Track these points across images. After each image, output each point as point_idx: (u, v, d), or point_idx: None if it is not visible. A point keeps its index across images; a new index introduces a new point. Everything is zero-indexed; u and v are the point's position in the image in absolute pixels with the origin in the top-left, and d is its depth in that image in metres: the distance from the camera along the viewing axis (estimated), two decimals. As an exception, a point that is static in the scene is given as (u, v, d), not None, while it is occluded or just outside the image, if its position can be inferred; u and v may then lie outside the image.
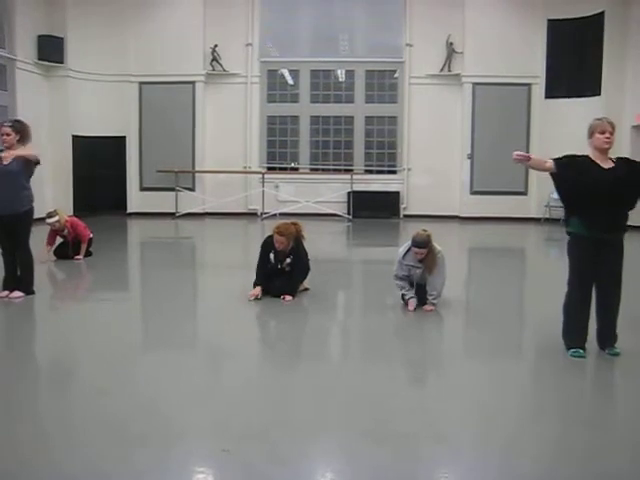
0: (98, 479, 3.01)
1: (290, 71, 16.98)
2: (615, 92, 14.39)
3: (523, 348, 5.56)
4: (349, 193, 16.19)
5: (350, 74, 16.77)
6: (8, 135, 6.42)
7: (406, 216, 16.30)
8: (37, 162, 6.52)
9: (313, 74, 16.75)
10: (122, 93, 16.00)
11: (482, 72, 15.77)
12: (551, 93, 15.72)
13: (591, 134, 4.76)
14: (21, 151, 6.39)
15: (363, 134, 16.75)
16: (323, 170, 16.76)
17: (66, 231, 9.19)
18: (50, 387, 4.38)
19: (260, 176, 16.17)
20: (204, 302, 7.37)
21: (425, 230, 6.28)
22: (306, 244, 7.01)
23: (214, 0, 16.08)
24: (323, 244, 11.35)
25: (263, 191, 16.02)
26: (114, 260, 9.98)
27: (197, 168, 16.40)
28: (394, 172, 16.78)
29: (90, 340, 5.37)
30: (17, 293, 6.68)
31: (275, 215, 15.29)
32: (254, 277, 6.83)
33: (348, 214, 16.12)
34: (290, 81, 17.07)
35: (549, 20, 15.54)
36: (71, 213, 12.32)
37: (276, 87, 16.89)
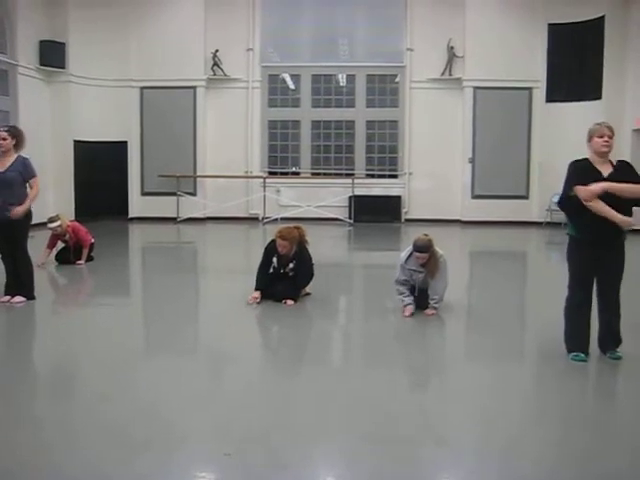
0: (100, 483, 3.02)
1: (291, 76, 17.03)
2: (616, 96, 14.42)
3: (524, 352, 5.56)
4: (350, 197, 16.20)
5: (351, 78, 16.81)
6: (4, 140, 6.48)
7: (407, 220, 16.32)
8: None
9: (314, 79, 16.79)
10: (123, 98, 16.04)
11: (483, 76, 15.79)
12: (552, 97, 15.74)
13: (590, 138, 4.76)
14: (27, 203, 6.49)
15: (364, 138, 16.78)
16: (324, 174, 16.78)
17: (68, 236, 9.22)
18: (52, 392, 4.37)
19: (261, 181, 16.20)
20: (205, 307, 7.38)
21: (426, 234, 6.30)
22: (308, 248, 7.02)
23: (215, 5, 16.13)
24: (324, 248, 11.34)
25: (264, 196, 16.06)
26: (115, 265, 10.00)
27: (198, 173, 16.43)
28: (395, 176, 16.79)
29: (92, 345, 5.38)
30: (18, 298, 6.71)
31: (276, 220, 15.31)
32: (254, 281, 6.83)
33: (349, 218, 16.13)
34: (291, 86, 17.10)
35: (550, 24, 15.56)
36: (73, 218, 12.36)
37: (277, 92, 16.92)
